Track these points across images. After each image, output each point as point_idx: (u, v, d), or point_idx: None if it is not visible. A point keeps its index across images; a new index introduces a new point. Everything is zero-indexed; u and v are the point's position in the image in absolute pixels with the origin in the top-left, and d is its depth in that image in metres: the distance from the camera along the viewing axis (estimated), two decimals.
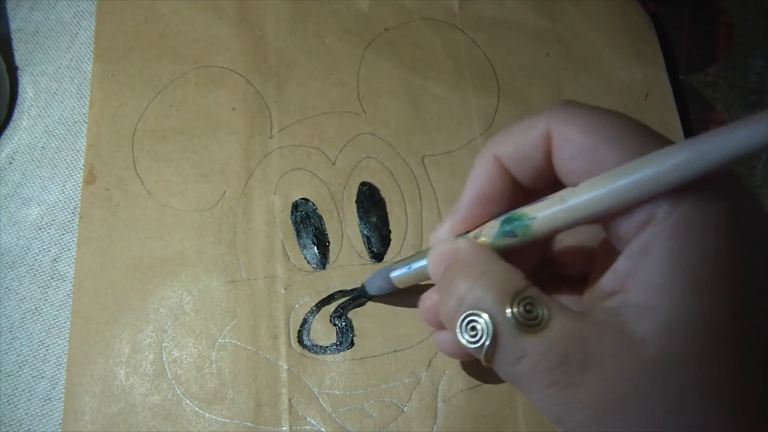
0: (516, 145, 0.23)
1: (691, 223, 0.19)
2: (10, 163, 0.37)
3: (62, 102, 0.38)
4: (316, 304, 0.34)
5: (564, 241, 0.28)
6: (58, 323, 0.34)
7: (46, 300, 0.34)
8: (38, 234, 0.36)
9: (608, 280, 0.21)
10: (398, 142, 0.38)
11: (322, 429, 0.32)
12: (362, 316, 0.34)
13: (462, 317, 0.21)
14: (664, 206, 0.19)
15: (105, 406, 0.32)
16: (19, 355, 0.33)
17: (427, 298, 0.28)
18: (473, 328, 0.21)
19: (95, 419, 0.31)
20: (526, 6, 0.43)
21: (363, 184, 0.37)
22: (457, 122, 0.39)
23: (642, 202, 0.19)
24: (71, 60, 0.39)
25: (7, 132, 0.38)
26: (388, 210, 0.37)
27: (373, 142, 0.38)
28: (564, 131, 0.22)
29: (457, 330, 0.22)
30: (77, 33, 0.40)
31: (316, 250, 0.35)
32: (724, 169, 0.18)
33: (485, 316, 0.21)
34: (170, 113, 0.38)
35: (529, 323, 0.20)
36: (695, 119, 0.43)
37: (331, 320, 0.34)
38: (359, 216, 0.36)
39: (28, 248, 0.35)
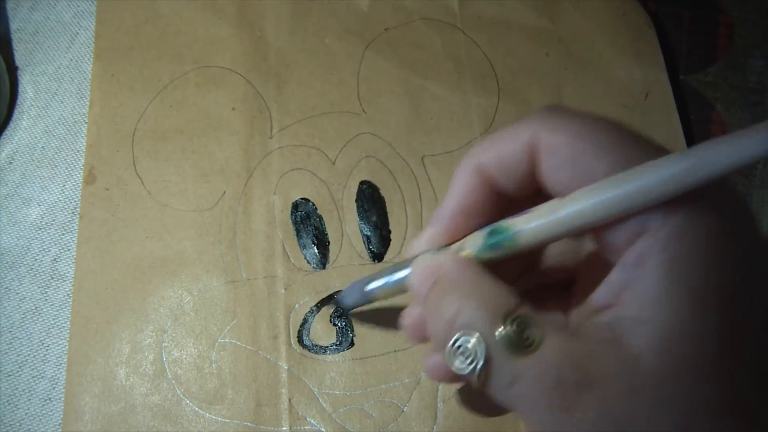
0: (499, 154, 0.22)
1: (684, 235, 0.19)
2: (10, 163, 0.37)
3: (62, 102, 0.38)
4: (316, 304, 0.34)
5: (548, 250, 0.27)
6: (58, 323, 0.34)
7: (46, 300, 0.34)
8: (38, 234, 0.36)
9: (601, 293, 0.20)
10: (398, 142, 0.38)
11: (322, 429, 0.32)
12: (362, 316, 0.34)
13: (452, 340, 0.20)
14: (656, 217, 0.19)
15: (105, 406, 0.32)
16: (19, 355, 0.33)
17: (408, 315, 0.26)
18: (463, 352, 0.20)
19: (95, 419, 0.31)
20: (526, 6, 0.43)
21: (363, 182, 0.37)
22: (457, 122, 0.39)
23: (634, 213, 0.19)
24: (71, 60, 0.39)
25: (7, 132, 0.38)
26: (388, 210, 0.37)
27: (373, 142, 0.38)
28: (550, 139, 0.21)
29: (447, 354, 0.21)
30: (77, 33, 0.40)
31: (316, 250, 0.35)
32: (718, 180, 0.18)
33: (476, 337, 0.20)
34: (170, 113, 0.38)
35: (521, 344, 0.19)
36: (695, 119, 0.43)
37: (331, 320, 0.34)
38: (359, 216, 0.36)
39: (28, 248, 0.35)
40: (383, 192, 0.37)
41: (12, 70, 0.39)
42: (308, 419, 0.32)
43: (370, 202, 0.37)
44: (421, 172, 0.38)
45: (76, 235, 0.35)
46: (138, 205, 0.36)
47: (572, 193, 0.20)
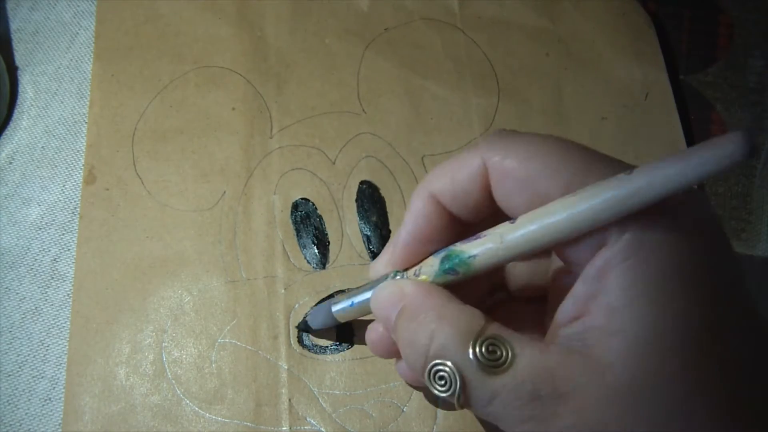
0: (452, 181, 0.23)
1: (642, 245, 0.19)
2: (10, 163, 0.37)
3: (62, 102, 0.38)
4: (316, 304, 0.34)
5: (519, 267, 0.27)
6: (58, 323, 0.34)
7: (46, 300, 0.34)
8: (38, 234, 0.36)
9: (568, 305, 0.20)
10: (398, 142, 0.38)
11: (322, 429, 0.32)
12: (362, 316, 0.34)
13: (429, 368, 0.21)
14: (613, 229, 0.19)
15: (105, 406, 0.32)
16: (19, 355, 0.33)
17: (372, 331, 0.27)
18: (441, 377, 0.21)
19: (95, 419, 0.31)
20: (526, 6, 0.43)
21: (363, 182, 0.37)
22: (457, 122, 0.39)
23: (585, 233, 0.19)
24: (71, 60, 0.39)
25: (7, 132, 0.38)
26: (388, 210, 0.37)
27: (373, 142, 0.38)
28: (501, 164, 0.21)
29: (426, 381, 0.21)
30: (77, 33, 0.40)
31: (316, 250, 0.35)
32: (664, 200, 0.18)
33: (449, 364, 0.21)
34: (170, 113, 0.38)
35: (493, 364, 0.20)
36: (695, 119, 0.43)
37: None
38: (359, 215, 0.36)
39: (28, 248, 0.35)
40: (383, 192, 0.37)
41: (12, 70, 0.39)
42: (308, 419, 0.32)
43: (370, 202, 0.37)
44: (421, 172, 0.38)
45: (76, 235, 0.35)
46: (138, 205, 0.36)
47: (520, 218, 0.21)
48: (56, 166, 0.37)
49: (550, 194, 0.20)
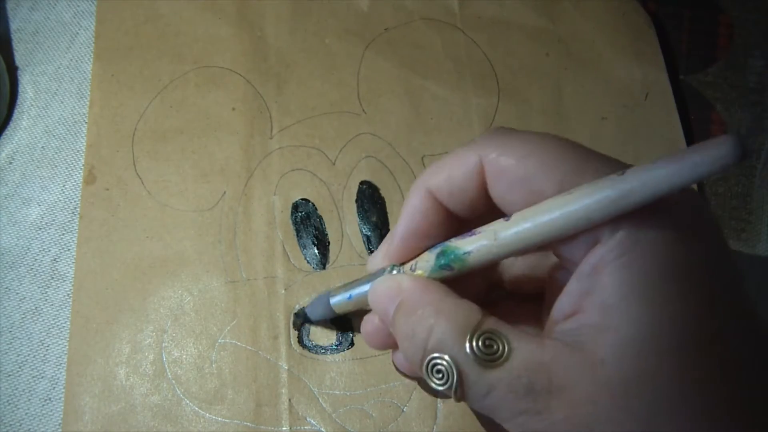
0: (449, 178, 0.23)
1: (635, 243, 0.19)
2: (10, 163, 0.37)
3: (62, 102, 0.38)
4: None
5: (515, 263, 0.28)
6: (58, 323, 0.34)
7: (46, 300, 0.34)
8: (38, 234, 0.36)
9: (563, 302, 0.21)
10: (398, 142, 0.38)
11: (322, 429, 0.32)
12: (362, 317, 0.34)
13: (426, 362, 0.21)
14: (606, 227, 0.19)
15: (105, 406, 0.32)
16: (19, 355, 0.33)
17: (368, 322, 0.27)
18: (439, 371, 0.21)
19: (95, 419, 0.31)
20: (526, 6, 0.43)
21: (363, 182, 0.37)
22: (457, 122, 0.39)
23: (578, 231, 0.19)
24: (71, 60, 0.39)
25: (7, 132, 0.38)
26: (388, 210, 0.37)
27: (373, 142, 0.38)
28: (497, 162, 0.21)
29: (424, 374, 0.22)
30: (77, 33, 0.40)
31: (316, 251, 0.35)
32: (656, 201, 0.18)
33: (447, 358, 0.21)
34: (170, 113, 0.38)
35: (490, 358, 0.20)
36: (695, 119, 0.43)
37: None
38: (359, 216, 0.36)
39: (28, 248, 0.35)
40: (383, 192, 0.37)
41: (12, 70, 0.39)
42: (308, 419, 0.32)
43: (370, 202, 0.37)
44: (420, 172, 0.38)
45: (76, 235, 0.35)
46: (138, 205, 0.36)
47: (514, 215, 0.21)
48: (56, 166, 0.37)
49: (544, 192, 0.20)
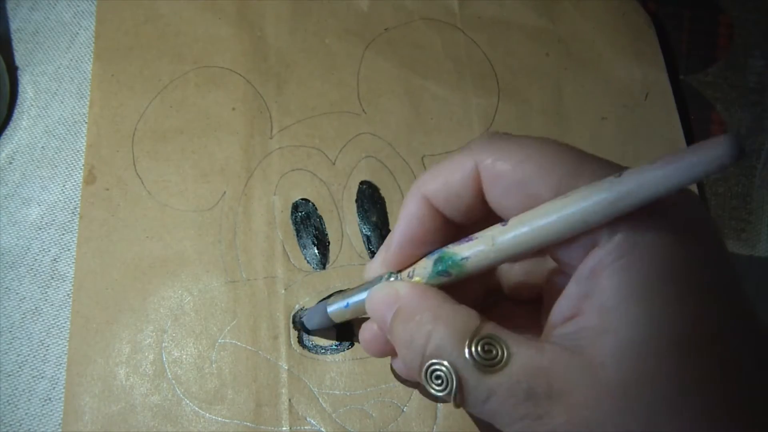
0: (445, 184, 0.23)
1: (636, 243, 0.19)
2: (10, 163, 0.37)
3: (62, 102, 0.38)
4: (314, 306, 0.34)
5: (513, 268, 0.28)
6: (58, 323, 0.34)
7: (46, 300, 0.34)
8: (38, 234, 0.36)
9: (561, 305, 0.21)
10: (398, 142, 0.38)
11: (322, 429, 0.32)
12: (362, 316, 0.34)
13: (425, 368, 0.21)
14: (604, 230, 0.19)
15: (105, 406, 0.32)
16: (19, 355, 0.33)
17: (366, 330, 0.27)
18: (438, 377, 0.21)
19: (95, 419, 0.31)
20: (526, 6, 0.43)
21: (363, 182, 0.37)
22: (457, 122, 0.39)
23: (576, 234, 0.19)
24: (71, 60, 0.39)
25: (7, 132, 0.38)
26: (388, 210, 0.37)
27: (373, 142, 0.38)
28: (493, 167, 0.21)
29: (423, 381, 0.21)
30: (77, 33, 0.40)
31: (316, 251, 0.35)
32: (654, 202, 0.18)
33: (446, 363, 0.21)
34: (170, 113, 0.38)
35: (489, 363, 0.20)
36: (695, 119, 0.43)
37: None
38: (359, 216, 0.36)
39: (28, 248, 0.35)
40: (383, 192, 0.37)
41: (12, 70, 0.39)
42: (308, 419, 0.32)
43: (370, 202, 0.37)
44: (420, 172, 0.38)
45: (76, 235, 0.35)
46: (138, 205, 0.36)
47: (511, 220, 0.21)
48: (56, 166, 0.37)
49: (541, 196, 0.20)
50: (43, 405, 0.32)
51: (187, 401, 0.32)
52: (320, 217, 0.36)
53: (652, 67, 0.42)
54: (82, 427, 0.31)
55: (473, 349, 0.20)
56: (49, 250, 0.35)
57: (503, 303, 0.28)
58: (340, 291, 0.34)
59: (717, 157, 0.16)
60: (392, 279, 0.25)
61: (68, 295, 0.34)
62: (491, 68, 0.41)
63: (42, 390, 0.33)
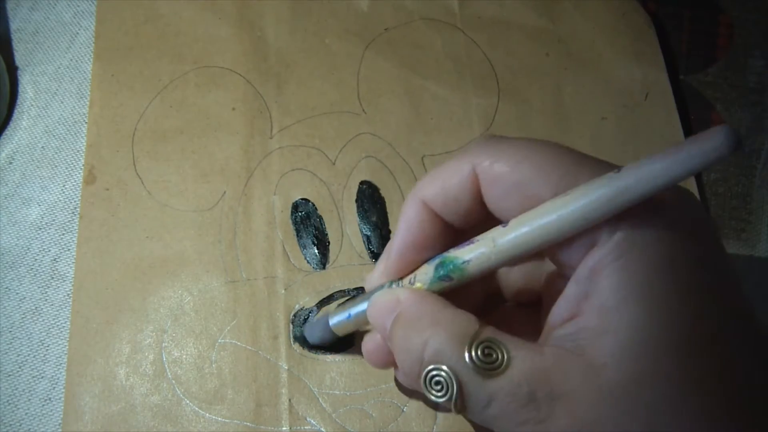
0: (443, 188, 0.23)
1: (633, 244, 0.19)
2: (10, 163, 0.37)
3: (62, 102, 0.38)
4: (316, 304, 0.34)
5: (512, 272, 0.27)
6: (58, 323, 0.34)
7: (46, 300, 0.34)
8: (38, 234, 0.36)
9: (561, 307, 0.21)
10: (398, 142, 0.38)
11: (322, 429, 0.32)
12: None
13: (424, 374, 0.21)
14: (605, 229, 0.19)
15: (105, 406, 0.32)
16: (19, 355, 0.33)
17: (369, 341, 0.27)
18: (438, 383, 0.21)
19: (95, 419, 0.31)
20: (526, 6, 0.43)
21: (363, 182, 0.37)
22: (457, 122, 0.39)
23: (577, 233, 0.19)
24: (71, 60, 0.39)
25: (7, 132, 0.38)
26: (388, 210, 0.37)
27: (373, 142, 0.38)
28: (490, 169, 0.21)
29: (423, 386, 0.21)
30: (77, 33, 0.40)
31: (316, 250, 0.35)
32: (653, 197, 0.18)
33: (445, 369, 0.21)
34: (170, 113, 0.38)
35: (489, 367, 0.20)
36: (695, 119, 0.43)
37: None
38: (359, 215, 0.36)
39: (28, 248, 0.35)
40: (383, 192, 0.37)
41: (12, 70, 0.39)
42: (308, 419, 0.32)
43: (370, 202, 0.37)
44: (421, 172, 0.38)
45: (76, 235, 0.35)
46: (138, 205, 0.36)
47: (511, 221, 0.21)
48: (56, 166, 0.37)
49: (540, 197, 0.20)
50: (43, 405, 0.32)
51: (187, 401, 0.32)
52: (320, 217, 0.36)
53: (652, 67, 0.42)
54: (82, 427, 0.31)
55: (473, 353, 0.20)
56: (49, 250, 0.35)
57: (502, 307, 0.28)
58: (338, 292, 0.35)
59: (714, 149, 0.16)
60: (394, 286, 0.25)
61: (68, 295, 0.34)
62: (491, 68, 0.41)
63: (42, 390, 0.33)
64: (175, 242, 0.35)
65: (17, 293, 0.34)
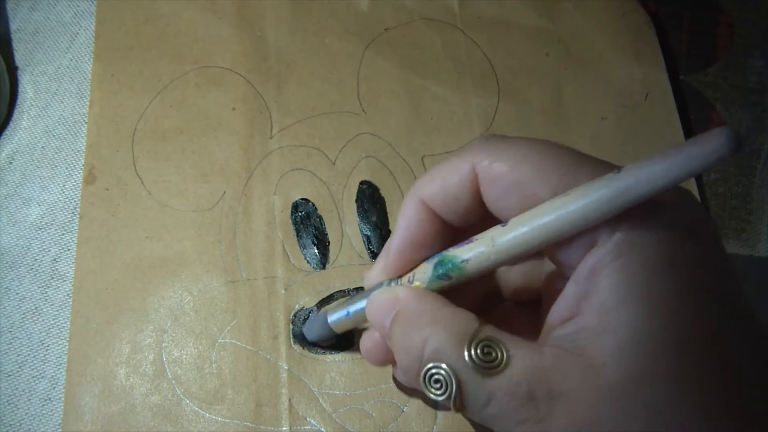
0: (442, 188, 0.23)
1: (633, 243, 0.19)
2: (10, 163, 0.37)
3: (62, 102, 0.38)
4: (316, 304, 0.34)
5: (511, 271, 0.27)
6: (58, 323, 0.34)
7: (46, 300, 0.34)
8: (38, 234, 0.36)
9: (560, 306, 0.21)
10: (398, 142, 0.38)
11: (322, 429, 0.32)
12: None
13: (423, 372, 0.21)
14: (604, 229, 0.19)
15: (105, 406, 0.32)
16: (19, 355, 0.33)
17: (367, 339, 0.27)
18: (437, 381, 0.21)
19: (95, 419, 0.31)
20: (526, 6, 0.43)
21: (363, 182, 0.37)
22: (457, 122, 0.39)
23: (576, 233, 0.19)
24: (71, 60, 0.39)
25: (7, 132, 0.38)
26: (388, 210, 0.37)
27: (373, 142, 0.38)
28: (489, 169, 0.21)
29: (422, 385, 0.21)
30: (77, 33, 0.40)
31: (316, 250, 0.35)
32: (654, 197, 0.18)
33: (445, 367, 0.20)
34: (170, 113, 0.38)
35: (489, 366, 0.20)
36: (695, 119, 0.43)
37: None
38: (359, 215, 0.36)
39: (28, 248, 0.35)
40: (383, 192, 0.37)
41: (12, 70, 0.39)
42: (308, 419, 0.32)
43: (370, 202, 0.37)
44: (421, 172, 0.38)
45: (76, 235, 0.35)
46: (138, 205, 0.36)
47: (511, 220, 0.21)
48: (56, 166, 0.37)
49: (539, 196, 0.20)
50: (43, 405, 0.32)
51: (187, 401, 0.32)
52: (320, 217, 0.36)
53: (652, 67, 0.42)
54: (82, 427, 0.31)
55: (472, 351, 0.20)
56: (49, 250, 0.35)
57: (501, 306, 0.28)
58: (338, 292, 0.35)
59: (714, 150, 0.16)
60: (393, 285, 0.25)
61: (68, 295, 0.34)
62: (491, 68, 0.41)
63: (42, 390, 0.33)
64: (175, 242, 0.35)
65: (17, 293, 0.34)
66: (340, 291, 0.35)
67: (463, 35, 0.42)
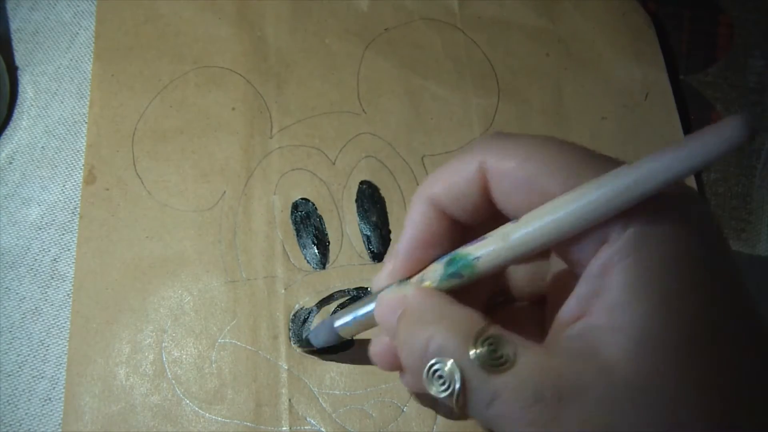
0: (450, 185, 0.23)
1: (644, 241, 0.19)
2: (10, 163, 0.37)
3: (62, 102, 0.38)
4: (316, 304, 0.34)
5: (518, 270, 0.27)
6: (58, 323, 0.34)
7: (46, 300, 0.34)
8: (38, 234, 0.36)
9: (570, 305, 0.20)
10: (398, 142, 0.38)
11: (322, 429, 0.32)
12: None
13: (427, 368, 0.21)
14: (616, 226, 0.19)
15: (105, 406, 0.32)
16: (19, 355, 0.33)
17: (377, 344, 0.26)
18: (440, 377, 0.20)
19: (95, 419, 0.31)
20: (526, 6, 0.43)
21: (363, 182, 0.37)
22: (457, 122, 0.39)
23: (589, 228, 0.19)
24: (71, 60, 0.39)
25: (7, 132, 0.38)
26: (388, 210, 0.37)
27: (373, 142, 0.38)
28: (498, 165, 0.21)
29: (425, 381, 0.21)
30: (77, 33, 0.40)
31: (316, 250, 0.35)
32: (666, 190, 0.18)
33: (450, 362, 0.20)
34: (170, 113, 0.38)
35: (495, 363, 0.19)
36: (695, 119, 0.43)
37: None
38: (359, 215, 0.36)
39: (28, 248, 0.35)
40: (383, 192, 0.37)
41: (12, 70, 0.39)
42: (308, 419, 0.32)
43: (370, 202, 0.37)
44: (421, 172, 0.38)
45: (76, 235, 0.35)
46: (138, 205, 0.36)
47: (523, 216, 0.21)
48: (56, 166, 0.37)
49: (549, 192, 0.20)
50: (43, 405, 0.32)
51: (187, 401, 0.32)
52: (320, 217, 0.36)
53: (652, 67, 0.42)
54: (82, 427, 0.31)
55: (478, 349, 0.20)
56: (49, 250, 0.35)
57: (506, 307, 0.28)
58: (338, 292, 0.35)
59: (728, 138, 0.16)
60: (401, 285, 0.25)
61: (68, 295, 0.34)
62: (491, 68, 0.41)
63: (42, 390, 0.33)
64: (175, 242, 0.35)
65: (17, 293, 0.34)
66: (340, 291, 0.35)
67: (463, 35, 0.42)
